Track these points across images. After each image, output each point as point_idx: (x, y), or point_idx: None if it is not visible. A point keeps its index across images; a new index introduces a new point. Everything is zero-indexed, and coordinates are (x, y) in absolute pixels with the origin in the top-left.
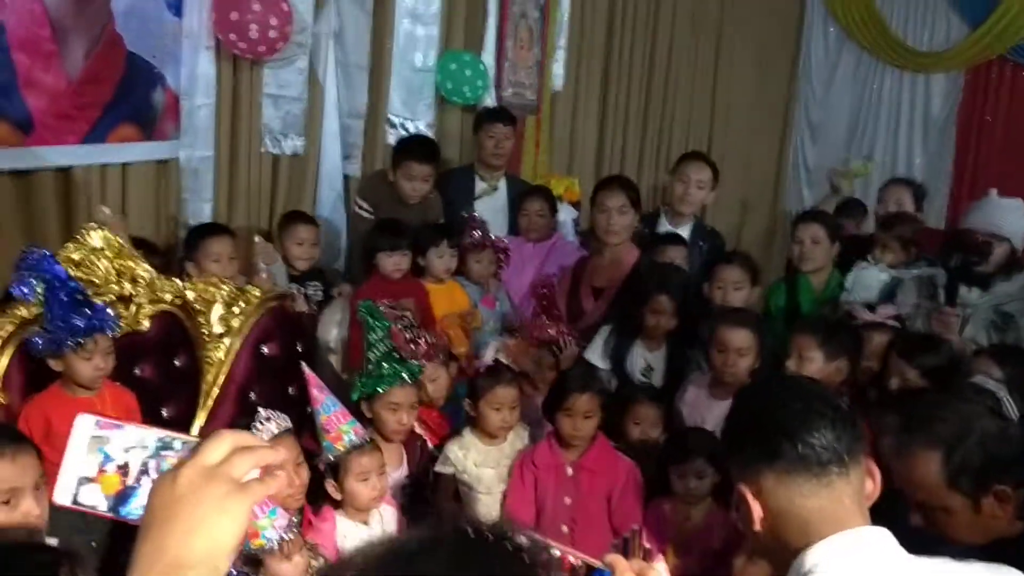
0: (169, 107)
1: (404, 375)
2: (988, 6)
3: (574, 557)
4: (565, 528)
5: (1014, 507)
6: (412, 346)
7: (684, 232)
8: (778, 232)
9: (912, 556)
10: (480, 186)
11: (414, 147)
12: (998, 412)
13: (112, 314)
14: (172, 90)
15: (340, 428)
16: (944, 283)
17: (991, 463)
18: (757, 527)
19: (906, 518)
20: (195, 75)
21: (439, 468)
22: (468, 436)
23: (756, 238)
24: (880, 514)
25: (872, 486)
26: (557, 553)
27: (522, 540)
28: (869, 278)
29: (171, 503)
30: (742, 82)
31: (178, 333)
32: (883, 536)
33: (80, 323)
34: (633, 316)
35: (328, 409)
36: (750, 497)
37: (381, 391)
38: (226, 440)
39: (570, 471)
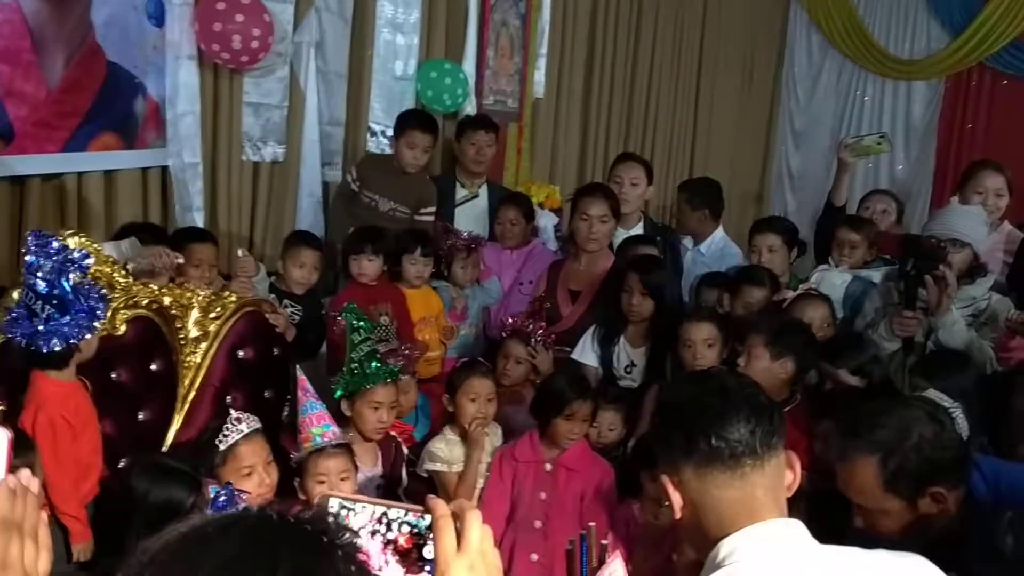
0: (150, 116)
1: (388, 374)
2: (968, 15)
3: (396, 509)
4: (538, 523)
5: (951, 507)
6: (390, 360)
7: (637, 231)
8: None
9: (822, 545)
10: (461, 193)
11: (417, 117)
12: (935, 417)
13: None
14: (153, 99)
15: (311, 430)
16: (902, 288)
17: (927, 467)
18: (678, 515)
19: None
20: (178, 84)
21: (428, 467)
22: (450, 434)
23: (740, 245)
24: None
25: (792, 477)
26: (368, 541)
27: (328, 524)
28: (833, 280)
29: None
30: (725, 90)
31: (154, 338)
32: (795, 526)
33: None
34: (617, 309)
35: (306, 410)
36: (671, 488)
37: (365, 388)
38: None
39: (549, 467)
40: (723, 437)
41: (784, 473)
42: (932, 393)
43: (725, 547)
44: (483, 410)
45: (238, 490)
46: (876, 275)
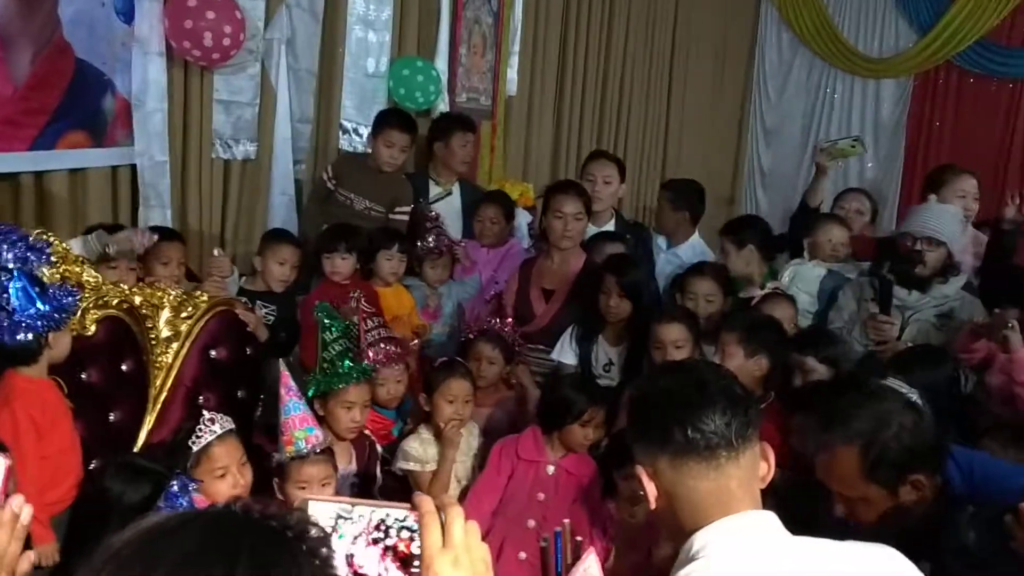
0: (120, 113)
1: (360, 373)
2: (935, 14)
3: (393, 513)
4: (532, 523)
5: (929, 494)
6: (384, 344)
7: (608, 229)
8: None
9: (795, 537)
10: (435, 190)
11: (395, 116)
12: (912, 406)
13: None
14: (123, 96)
15: (294, 433)
16: (877, 289)
17: (907, 455)
18: (652, 506)
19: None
20: (147, 81)
21: (402, 465)
22: (425, 433)
23: (712, 240)
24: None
25: (766, 468)
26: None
27: (292, 519)
28: (808, 274)
29: None
30: (697, 88)
31: (125, 338)
32: (768, 518)
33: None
34: (595, 309)
35: (289, 411)
36: (645, 478)
37: (337, 388)
38: None
39: (551, 469)
40: (699, 428)
41: (758, 465)
42: (891, 381)
43: (698, 541)
44: (460, 411)
45: (191, 479)
46: (851, 270)
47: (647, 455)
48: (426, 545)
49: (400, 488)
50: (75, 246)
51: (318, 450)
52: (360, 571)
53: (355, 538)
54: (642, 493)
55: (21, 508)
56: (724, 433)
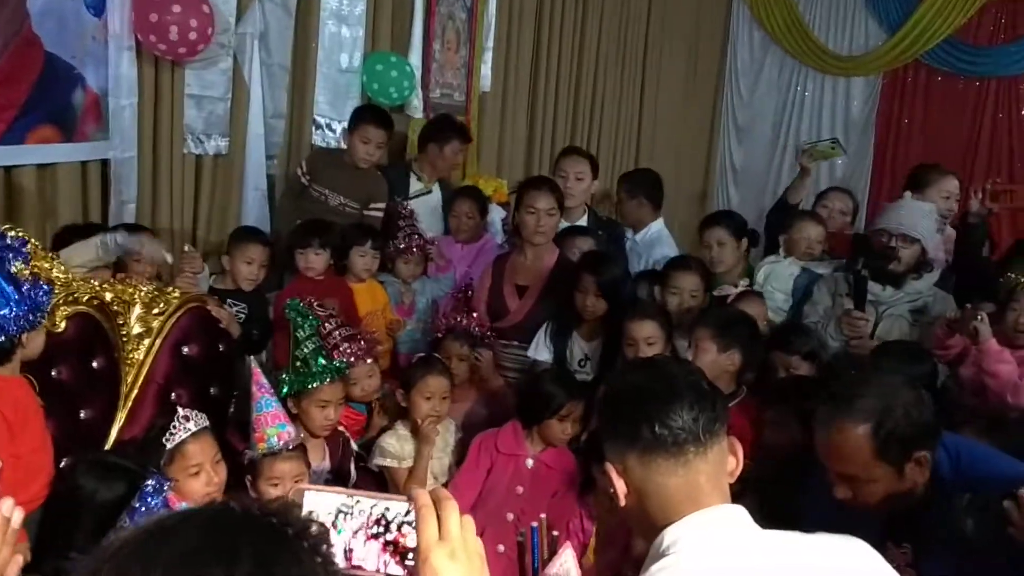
0: (90, 108)
1: (333, 372)
2: (904, 13)
3: (380, 501)
4: (511, 516)
5: (928, 471)
6: (348, 344)
7: (580, 225)
8: (706, 232)
9: (764, 530)
10: (416, 185)
11: (372, 112)
12: (911, 384)
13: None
14: (93, 90)
15: (266, 430)
16: (852, 285)
17: (916, 431)
18: (623, 503)
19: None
20: (118, 75)
21: (378, 461)
22: (402, 430)
23: (685, 237)
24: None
25: (735, 463)
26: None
27: (292, 517)
28: (782, 271)
29: None
30: (670, 85)
31: (96, 334)
32: (737, 512)
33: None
34: (570, 306)
35: (261, 408)
36: (615, 475)
37: (311, 387)
38: None
39: (531, 463)
40: (667, 424)
41: (727, 459)
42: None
43: (668, 536)
44: (437, 408)
45: (166, 479)
46: (824, 268)
47: (616, 452)
48: (423, 538)
49: (376, 484)
50: (87, 248)
51: (290, 447)
52: (358, 565)
53: (355, 533)
54: (612, 491)
55: (11, 511)
56: (692, 428)
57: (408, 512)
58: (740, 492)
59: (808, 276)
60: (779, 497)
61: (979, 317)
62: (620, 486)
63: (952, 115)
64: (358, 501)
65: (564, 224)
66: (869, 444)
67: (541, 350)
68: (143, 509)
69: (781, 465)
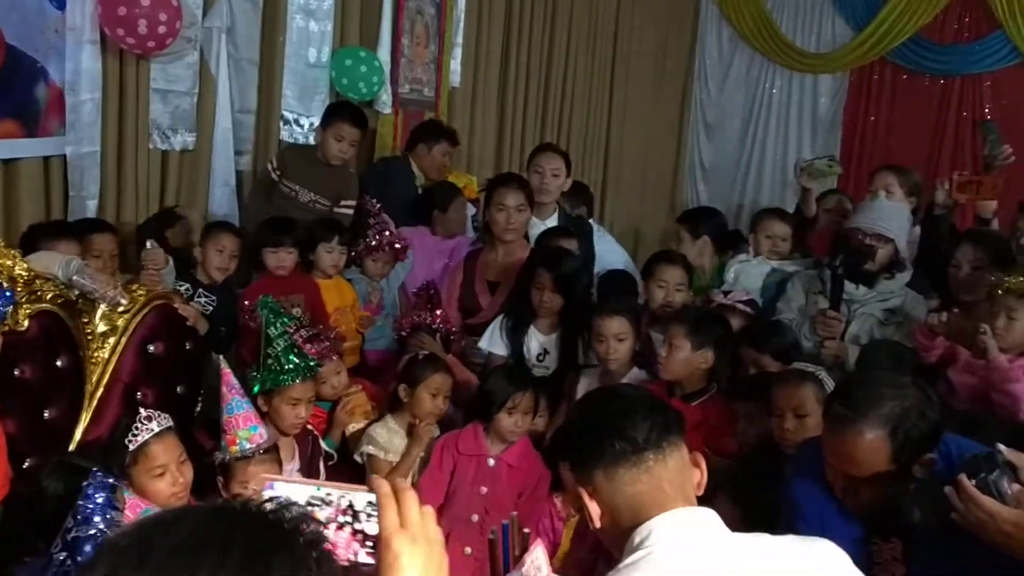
0: (53, 102)
1: (306, 370)
2: (870, 11)
3: (348, 492)
4: (475, 517)
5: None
6: (311, 344)
7: (552, 223)
8: (675, 228)
9: (732, 532)
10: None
11: (347, 110)
12: (916, 383)
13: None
14: (56, 85)
15: (237, 432)
16: (829, 283)
17: (928, 433)
18: (597, 524)
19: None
20: (80, 69)
21: (366, 449)
22: (392, 423)
23: (654, 234)
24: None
25: (699, 475)
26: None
27: (288, 512)
28: (752, 271)
29: None
30: (639, 81)
31: (60, 333)
32: (707, 514)
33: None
34: (526, 299)
35: (232, 410)
36: (587, 498)
37: (284, 385)
38: None
39: (492, 463)
40: (625, 436)
41: (689, 467)
42: (799, 364)
43: (640, 532)
44: (440, 406)
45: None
46: (795, 266)
47: (584, 475)
48: (384, 525)
49: (347, 481)
50: (47, 260)
51: (262, 450)
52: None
53: (327, 523)
54: (587, 516)
55: None
56: (648, 437)
57: (370, 503)
58: (713, 489)
59: (779, 275)
60: (754, 489)
61: (983, 331)
62: (593, 508)
63: (918, 113)
64: (328, 493)
65: (536, 222)
66: (886, 448)
67: (495, 343)
68: (88, 507)
69: (755, 458)
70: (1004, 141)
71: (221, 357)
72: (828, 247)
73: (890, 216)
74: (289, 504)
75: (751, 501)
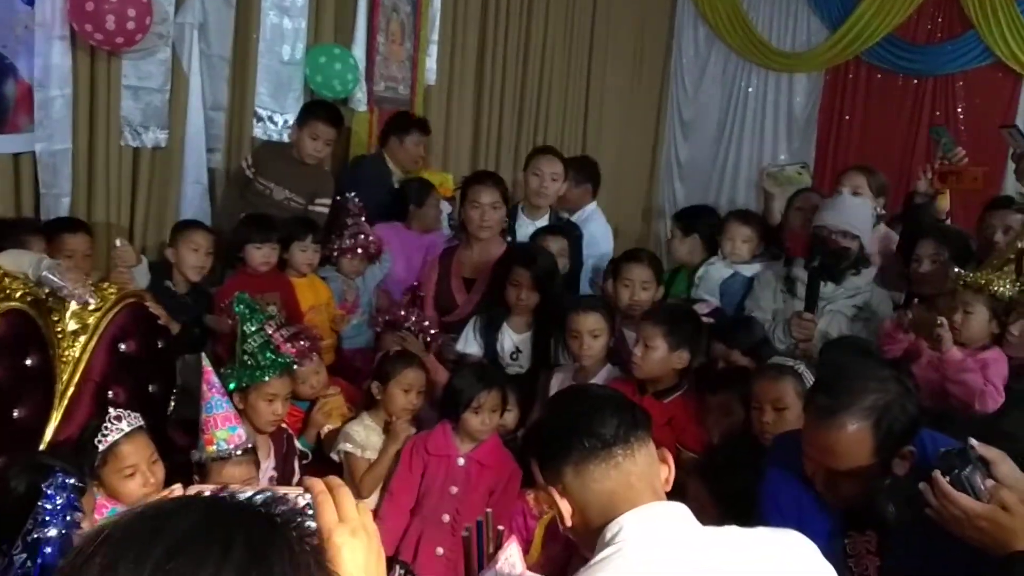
0: (22, 99)
1: (282, 366)
2: (845, 11)
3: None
4: (447, 517)
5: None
6: (290, 344)
7: (543, 224)
8: (651, 227)
9: (703, 526)
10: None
11: (323, 109)
12: (896, 378)
13: None
14: (25, 81)
15: (215, 432)
16: (804, 283)
17: (909, 425)
18: (568, 523)
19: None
20: (49, 65)
21: (343, 447)
22: (368, 420)
23: (630, 233)
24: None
25: (667, 471)
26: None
27: (279, 508)
28: (715, 274)
29: None
30: (616, 79)
31: (30, 332)
32: (678, 508)
33: None
34: (500, 297)
35: (211, 408)
36: (557, 497)
37: (261, 380)
38: None
39: (461, 462)
40: (594, 433)
41: (657, 463)
42: (778, 358)
43: (611, 528)
44: (414, 402)
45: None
46: (752, 269)
47: (553, 473)
48: (324, 520)
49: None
50: (16, 259)
51: (239, 451)
52: None
53: None
54: (558, 516)
55: None
56: (616, 433)
57: (306, 504)
58: (686, 475)
59: (739, 278)
60: (726, 474)
61: (939, 323)
62: (564, 506)
63: (892, 112)
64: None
65: (528, 223)
66: (869, 441)
67: (470, 344)
68: (47, 508)
69: (729, 448)
70: (974, 140)
71: (203, 355)
72: (803, 247)
73: (855, 213)
74: (277, 499)
75: (723, 486)
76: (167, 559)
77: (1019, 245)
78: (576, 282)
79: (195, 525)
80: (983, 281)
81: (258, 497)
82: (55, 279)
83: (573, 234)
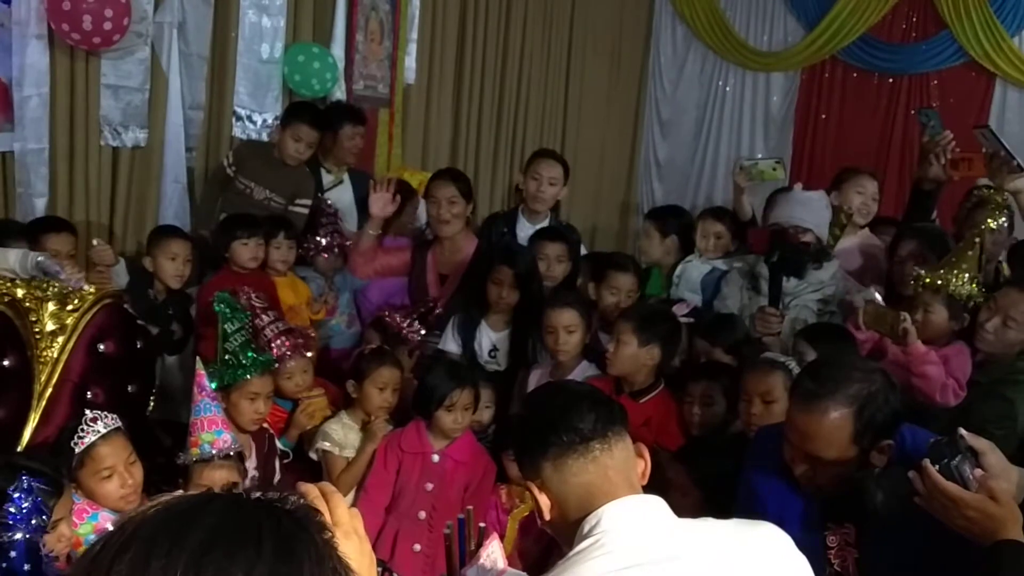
0: (0, 98)
1: (263, 365)
2: (821, 10)
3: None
4: (423, 514)
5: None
6: (285, 337)
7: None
8: (630, 226)
9: (679, 518)
10: (328, 178)
11: (306, 110)
12: (881, 371)
13: None
14: (2, 81)
15: (201, 435)
16: (767, 279)
17: (890, 418)
18: (547, 517)
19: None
20: (25, 64)
21: (321, 446)
22: (346, 419)
23: (609, 232)
24: None
25: (643, 465)
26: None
27: (296, 504)
28: (692, 271)
29: None
30: (594, 78)
31: (7, 332)
32: (653, 501)
33: None
34: (479, 295)
35: (199, 412)
36: (536, 491)
37: (243, 379)
38: None
39: (436, 458)
40: (571, 427)
41: (633, 457)
42: (769, 353)
43: (589, 521)
44: (389, 400)
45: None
46: (728, 263)
47: (532, 468)
48: None
49: (303, 479)
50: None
51: (222, 455)
52: None
53: None
54: (537, 510)
55: None
56: (594, 427)
57: None
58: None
59: (718, 273)
60: (710, 465)
61: (903, 318)
62: (543, 501)
63: (867, 110)
64: None
65: (527, 226)
66: (849, 428)
67: (449, 342)
68: (11, 512)
69: (710, 436)
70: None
71: (198, 358)
72: (764, 244)
73: (808, 207)
74: (286, 495)
75: (703, 471)
76: (201, 553)
77: (976, 241)
78: (575, 285)
79: (224, 519)
80: (940, 282)
81: (270, 493)
82: (52, 265)
83: (572, 238)
